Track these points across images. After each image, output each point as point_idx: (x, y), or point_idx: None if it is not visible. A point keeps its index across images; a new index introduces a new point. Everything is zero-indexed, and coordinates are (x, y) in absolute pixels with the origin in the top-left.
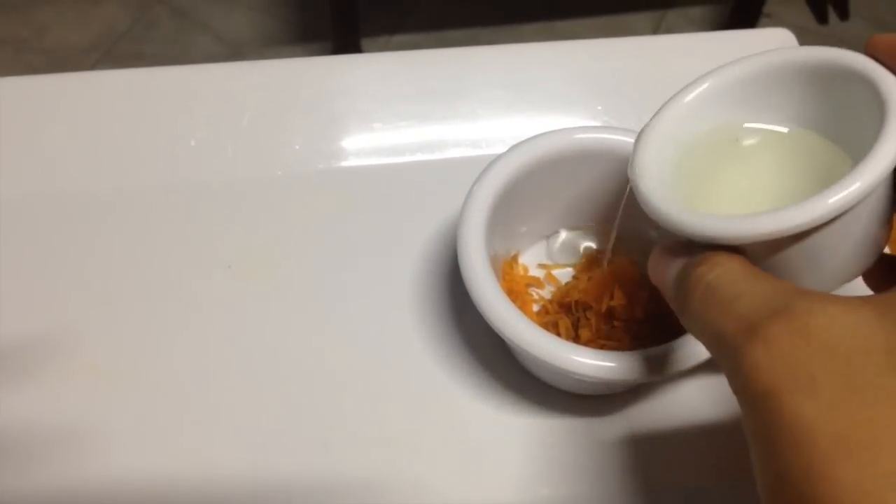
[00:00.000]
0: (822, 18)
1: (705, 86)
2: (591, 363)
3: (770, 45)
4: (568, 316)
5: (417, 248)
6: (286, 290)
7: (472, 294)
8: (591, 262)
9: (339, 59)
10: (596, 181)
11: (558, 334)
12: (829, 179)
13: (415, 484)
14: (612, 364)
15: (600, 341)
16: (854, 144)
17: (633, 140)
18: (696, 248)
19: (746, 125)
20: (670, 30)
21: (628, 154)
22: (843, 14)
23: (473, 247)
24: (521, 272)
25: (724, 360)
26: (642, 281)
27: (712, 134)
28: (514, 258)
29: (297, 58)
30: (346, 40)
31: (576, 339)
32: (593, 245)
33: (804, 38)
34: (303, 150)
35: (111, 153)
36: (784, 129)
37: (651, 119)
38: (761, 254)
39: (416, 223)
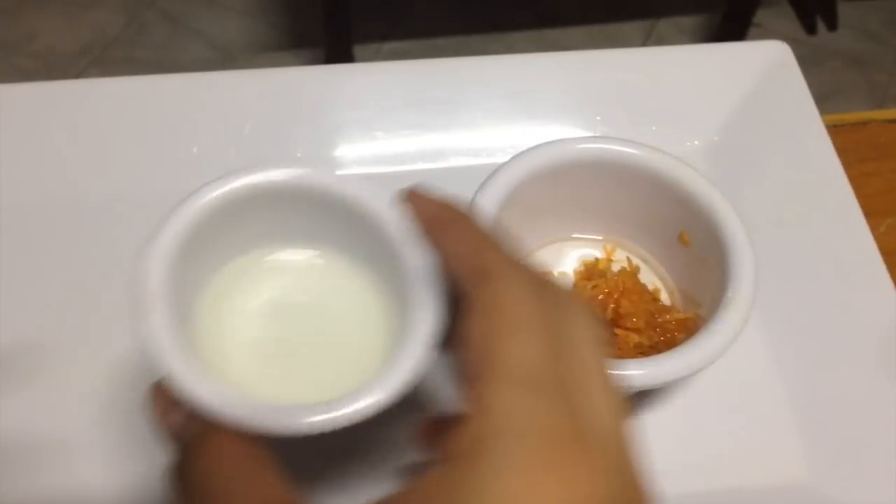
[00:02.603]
0: (810, 29)
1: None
2: None
3: (767, 57)
4: None
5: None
6: None
7: None
8: (590, 270)
9: (341, 69)
10: (596, 191)
11: None
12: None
13: None
14: (612, 371)
15: None
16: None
17: (633, 150)
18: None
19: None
20: (661, 39)
21: (628, 164)
22: (832, 24)
23: None
24: None
25: None
26: (644, 291)
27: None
28: None
29: (299, 66)
30: (338, 47)
31: None
32: (595, 253)
33: (793, 48)
34: (304, 158)
35: (115, 160)
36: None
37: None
38: None
39: None
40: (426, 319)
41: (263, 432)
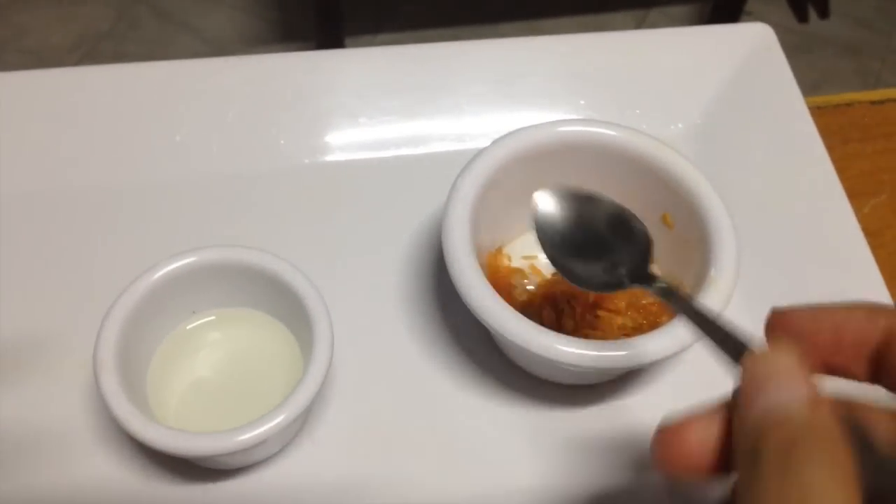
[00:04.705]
0: (802, 17)
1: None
2: (574, 352)
3: (750, 40)
4: (552, 307)
5: (403, 241)
6: None
7: (458, 285)
8: None
9: (324, 55)
10: (578, 173)
11: (542, 325)
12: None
13: (400, 475)
14: (595, 352)
15: (584, 331)
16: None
17: (615, 133)
18: None
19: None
20: (653, 28)
21: (611, 147)
22: (823, 12)
23: (458, 239)
24: (506, 264)
25: None
26: None
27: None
28: (499, 250)
29: (283, 53)
30: (329, 40)
31: (559, 329)
32: None
33: (785, 37)
34: (288, 145)
35: (96, 149)
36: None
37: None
38: None
39: (401, 216)
40: (320, 359)
41: (188, 456)
